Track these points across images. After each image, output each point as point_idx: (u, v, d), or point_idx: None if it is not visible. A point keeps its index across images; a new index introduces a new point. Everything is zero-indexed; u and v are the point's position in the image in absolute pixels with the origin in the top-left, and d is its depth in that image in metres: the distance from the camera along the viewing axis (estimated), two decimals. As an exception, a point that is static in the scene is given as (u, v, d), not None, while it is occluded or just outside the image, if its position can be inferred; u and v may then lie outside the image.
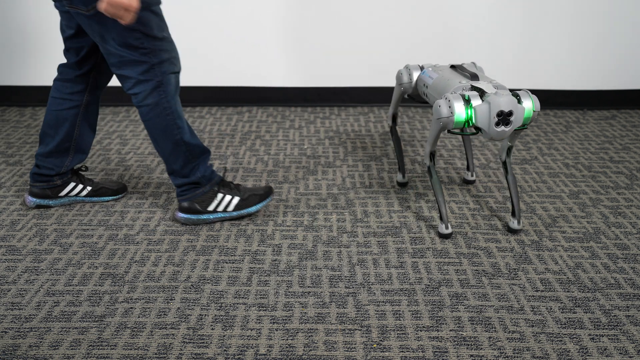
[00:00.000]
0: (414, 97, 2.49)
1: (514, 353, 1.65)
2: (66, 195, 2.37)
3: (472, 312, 1.81)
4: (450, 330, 1.73)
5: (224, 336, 1.71)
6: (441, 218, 2.18)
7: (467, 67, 2.34)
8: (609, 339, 1.70)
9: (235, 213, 2.26)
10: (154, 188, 2.55)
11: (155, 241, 2.17)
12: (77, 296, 1.87)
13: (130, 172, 2.70)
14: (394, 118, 2.55)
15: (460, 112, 2.01)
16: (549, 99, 3.55)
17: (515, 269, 2.02)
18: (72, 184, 2.37)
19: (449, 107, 2.02)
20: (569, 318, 1.78)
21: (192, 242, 2.17)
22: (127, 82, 2.07)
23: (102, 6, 1.81)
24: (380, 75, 3.53)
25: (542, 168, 2.77)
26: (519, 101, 2.05)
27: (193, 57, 3.50)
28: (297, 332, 1.72)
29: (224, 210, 2.25)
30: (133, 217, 2.31)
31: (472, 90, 2.08)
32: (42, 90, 3.54)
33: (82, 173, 2.58)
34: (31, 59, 3.50)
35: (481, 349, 1.66)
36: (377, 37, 3.45)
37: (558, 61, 3.49)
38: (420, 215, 2.35)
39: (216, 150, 2.94)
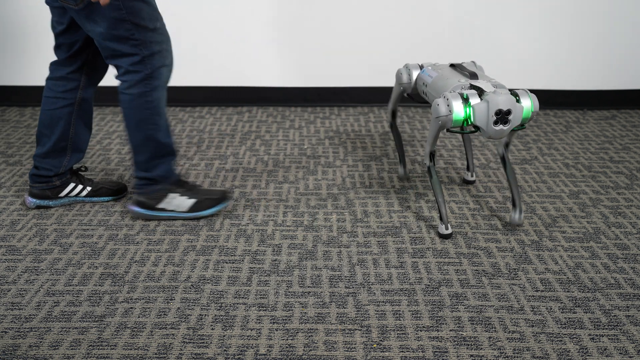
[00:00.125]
0: (413, 96, 2.49)
1: (514, 353, 1.65)
2: (66, 195, 2.37)
3: (472, 312, 1.81)
4: (450, 330, 1.73)
5: (224, 336, 1.71)
6: (441, 218, 2.18)
7: (466, 66, 2.34)
8: (609, 339, 1.70)
9: (186, 214, 2.27)
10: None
11: (155, 241, 2.17)
12: (77, 296, 1.87)
13: (130, 172, 2.70)
14: (394, 114, 2.55)
15: (458, 110, 2.01)
16: (549, 99, 3.55)
17: (515, 269, 2.02)
18: (72, 185, 2.37)
19: (448, 106, 2.02)
20: (569, 318, 1.78)
21: (192, 242, 2.17)
22: (119, 70, 2.10)
23: None
24: (380, 75, 3.53)
25: (542, 168, 2.77)
26: (518, 100, 2.05)
27: (193, 57, 3.50)
28: (297, 332, 1.72)
29: (176, 210, 2.27)
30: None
31: (470, 89, 2.08)
32: (42, 90, 3.54)
33: (82, 173, 2.58)
34: (31, 59, 3.50)
35: (481, 349, 1.66)
36: (377, 37, 3.45)
37: (558, 61, 3.49)
38: (420, 215, 2.35)
39: (216, 150, 2.94)
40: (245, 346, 1.67)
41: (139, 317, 1.78)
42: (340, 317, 1.79)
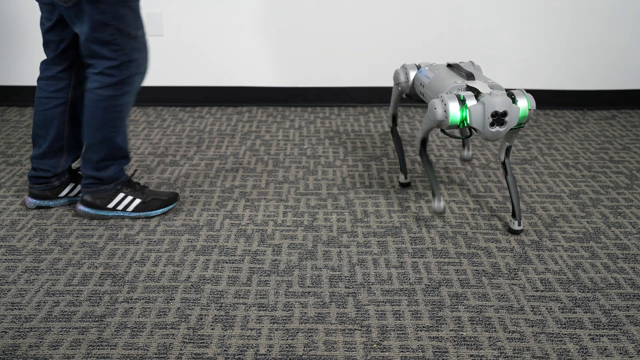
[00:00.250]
0: (411, 96, 2.49)
1: (514, 353, 1.65)
2: (66, 195, 2.37)
3: (472, 312, 1.81)
4: (450, 330, 1.73)
5: (224, 336, 1.71)
6: (433, 194, 2.18)
7: (464, 66, 2.33)
8: (609, 339, 1.70)
9: (134, 214, 2.29)
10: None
11: (155, 241, 2.17)
12: (77, 296, 1.87)
13: (130, 172, 2.70)
14: (394, 118, 2.55)
15: (455, 112, 2.00)
16: (549, 99, 3.55)
17: (515, 269, 2.01)
18: (71, 185, 2.37)
19: (444, 107, 2.01)
20: (569, 318, 1.78)
21: (192, 242, 2.17)
22: (94, 68, 2.11)
23: None
24: (380, 75, 3.53)
25: (542, 168, 2.77)
26: (514, 101, 2.04)
27: (193, 57, 3.50)
28: (297, 332, 1.72)
29: (124, 210, 2.28)
30: (133, 216, 2.31)
31: (467, 90, 2.07)
32: (42, 90, 3.54)
33: (80, 173, 2.58)
34: (31, 59, 3.50)
35: (481, 349, 1.66)
36: (377, 37, 3.45)
37: (558, 61, 3.49)
38: (420, 215, 2.34)
39: (216, 150, 2.94)
40: (245, 346, 1.67)
41: (139, 317, 1.78)
42: (340, 317, 1.79)
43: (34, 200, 2.33)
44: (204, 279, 1.96)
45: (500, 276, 1.98)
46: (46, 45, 2.21)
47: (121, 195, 2.26)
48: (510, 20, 3.41)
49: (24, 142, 3.03)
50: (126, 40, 2.05)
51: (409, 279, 1.96)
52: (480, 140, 3.06)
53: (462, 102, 2.01)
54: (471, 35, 3.43)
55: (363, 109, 3.54)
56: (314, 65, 3.51)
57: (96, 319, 1.77)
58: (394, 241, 2.17)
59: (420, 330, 1.73)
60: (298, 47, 3.48)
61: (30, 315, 1.79)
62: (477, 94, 2.03)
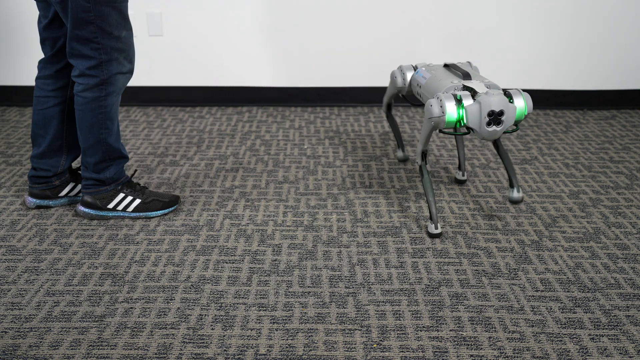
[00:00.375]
0: (408, 98, 2.49)
1: (514, 353, 1.65)
2: (66, 195, 2.37)
3: (472, 312, 1.81)
4: (450, 330, 1.73)
5: (224, 336, 1.71)
6: (431, 218, 2.18)
7: (461, 66, 2.33)
8: (609, 339, 1.70)
9: (134, 214, 2.29)
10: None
11: (155, 241, 2.17)
12: (77, 296, 1.87)
13: (129, 172, 2.70)
14: (389, 106, 2.55)
15: (451, 112, 2.00)
16: (549, 99, 3.55)
17: (515, 269, 2.01)
18: (72, 184, 2.37)
19: (441, 106, 2.01)
20: (569, 318, 1.78)
21: (192, 242, 2.17)
22: (74, 70, 2.12)
23: None
24: (380, 75, 3.53)
25: (542, 168, 2.77)
26: (511, 100, 2.04)
27: (193, 57, 3.50)
28: (297, 332, 1.72)
29: (124, 210, 2.28)
30: (133, 217, 2.31)
31: (464, 90, 2.07)
32: (42, 90, 3.54)
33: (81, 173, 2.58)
34: (31, 59, 3.50)
35: (481, 349, 1.66)
36: (377, 37, 3.45)
37: (558, 61, 3.49)
38: (420, 215, 2.34)
39: (216, 150, 2.94)
40: (245, 346, 1.67)
41: (139, 317, 1.78)
42: (340, 317, 1.79)
43: (34, 200, 2.33)
44: (204, 279, 1.96)
45: (500, 276, 1.98)
46: (43, 42, 2.21)
47: (121, 195, 2.27)
48: (510, 20, 3.41)
49: (24, 142, 3.03)
50: (107, 40, 2.06)
51: (409, 279, 1.96)
52: (480, 140, 3.06)
53: (458, 101, 2.01)
54: (471, 36, 3.43)
55: (363, 109, 3.54)
56: (314, 65, 3.51)
57: (96, 319, 1.77)
58: (394, 241, 2.17)
59: (420, 330, 1.73)
60: (298, 47, 3.48)
61: (30, 315, 1.79)
62: (473, 93, 2.03)
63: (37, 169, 2.30)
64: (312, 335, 1.71)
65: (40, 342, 1.68)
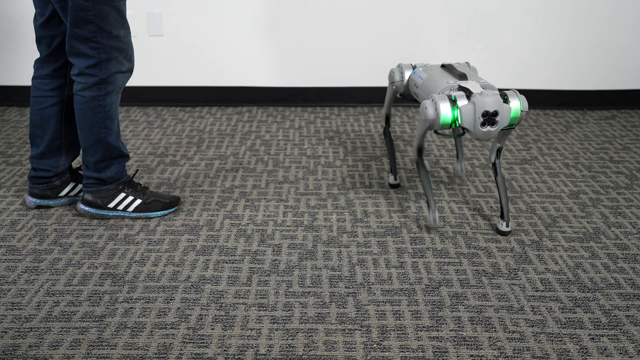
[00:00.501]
0: (406, 96, 2.49)
1: (514, 353, 1.65)
2: (66, 195, 2.37)
3: (472, 312, 1.81)
4: (450, 330, 1.73)
5: (224, 336, 1.71)
6: (428, 207, 2.18)
7: (458, 67, 2.33)
8: (609, 339, 1.70)
9: (134, 214, 2.29)
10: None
11: (155, 241, 2.17)
12: (77, 296, 1.87)
13: (130, 172, 2.70)
14: (387, 119, 2.55)
15: (446, 112, 2.00)
16: (549, 99, 3.55)
17: (515, 269, 2.01)
18: (72, 184, 2.37)
19: (435, 108, 2.01)
20: (569, 318, 1.78)
21: (192, 242, 2.17)
22: (74, 69, 2.12)
23: None
24: (380, 75, 3.53)
25: (542, 168, 2.77)
26: (506, 101, 2.04)
27: (193, 57, 3.50)
28: (297, 332, 1.72)
29: (124, 210, 2.28)
30: (133, 217, 2.31)
31: (459, 91, 2.07)
32: (42, 90, 3.54)
33: (81, 173, 2.58)
34: (31, 59, 3.50)
35: (481, 349, 1.66)
36: (377, 37, 3.45)
37: (558, 61, 3.49)
38: (420, 215, 2.34)
39: (216, 150, 2.94)
40: (245, 346, 1.67)
41: (139, 317, 1.78)
42: (340, 317, 1.79)
43: (34, 200, 2.33)
44: (204, 279, 1.96)
45: (500, 276, 1.98)
46: (39, 41, 2.21)
47: (122, 195, 2.27)
48: (510, 20, 3.41)
49: (24, 142, 3.03)
50: (106, 39, 2.06)
51: (409, 279, 1.96)
52: (482, 142, 3.06)
53: (453, 102, 2.01)
54: (471, 36, 3.43)
55: (363, 109, 3.54)
56: (314, 65, 3.51)
57: (96, 319, 1.77)
58: (394, 241, 2.17)
59: (420, 330, 1.73)
60: (298, 48, 3.48)
61: (30, 315, 1.79)
62: (468, 94, 2.03)
63: (37, 170, 2.30)
64: (312, 335, 1.71)
65: (40, 342, 1.68)
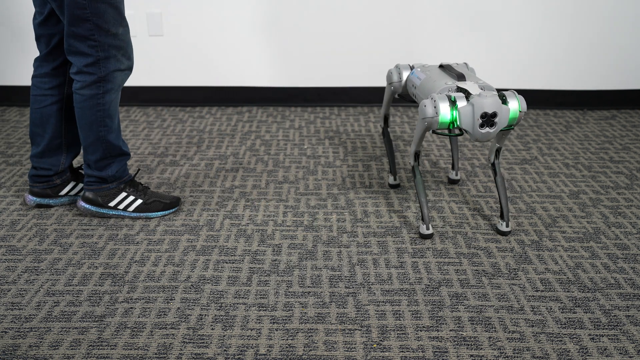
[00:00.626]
0: (404, 96, 2.49)
1: (514, 353, 1.65)
2: (66, 194, 2.37)
3: (472, 312, 1.81)
4: (450, 330, 1.73)
5: (224, 336, 1.71)
6: (422, 219, 2.18)
7: (456, 67, 2.33)
8: (609, 339, 1.70)
9: (134, 214, 2.29)
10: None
11: (155, 241, 2.17)
12: (77, 296, 1.87)
13: (131, 172, 2.70)
14: (386, 119, 2.55)
15: (445, 112, 2.00)
16: (549, 99, 3.55)
17: (515, 269, 2.01)
18: (72, 183, 2.37)
19: (434, 107, 2.01)
20: (569, 318, 1.78)
21: (192, 242, 2.17)
22: (73, 67, 2.12)
23: None
24: (380, 75, 3.53)
25: (542, 168, 2.77)
26: (505, 102, 2.03)
27: (193, 57, 3.50)
28: (297, 332, 1.72)
29: (124, 209, 2.28)
30: (133, 217, 2.31)
31: (458, 92, 2.07)
32: (42, 90, 3.53)
33: (82, 172, 2.58)
34: (31, 59, 3.50)
35: (481, 349, 1.66)
36: (377, 37, 3.45)
37: (558, 61, 3.49)
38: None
39: (216, 150, 2.94)
40: (245, 346, 1.67)
41: (139, 317, 1.78)
42: (340, 317, 1.79)
43: (35, 198, 2.33)
44: (204, 279, 1.96)
45: (500, 276, 1.98)
46: (38, 40, 2.21)
47: (123, 194, 2.26)
48: (511, 20, 3.41)
49: (24, 142, 3.03)
50: (104, 37, 2.05)
51: (409, 279, 1.96)
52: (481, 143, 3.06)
53: (452, 102, 2.00)
54: (471, 35, 3.43)
55: (363, 109, 3.54)
56: (314, 65, 3.51)
57: (96, 319, 1.77)
58: (394, 241, 2.17)
59: (420, 330, 1.73)
60: (298, 47, 3.48)
61: (30, 315, 1.79)
62: (467, 95, 2.03)
63: (38, 168, 2.30)
64: (312, 335, 1.71)
65: (40, 342, 1.68)
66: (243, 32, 3.45)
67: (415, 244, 2.15)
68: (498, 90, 2.10)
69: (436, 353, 1.64)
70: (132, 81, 3.54)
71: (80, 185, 2.39)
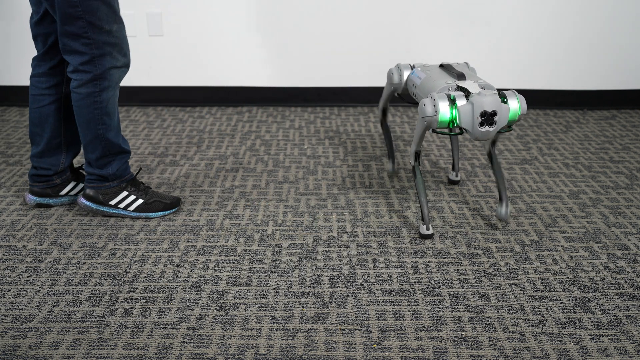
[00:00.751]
0: (404, 96, 2.49)
1: (514, 353, 1.65)
2: (67, 194, 2.37)
3: (472, 312, 1.81)
4: (450, 330, 1.73)
5: (224, 336, 1.71)
6: (422, 219, 2.18)
7: (456, 67, 2.33)
8: (609, 339, 1.70)
9: (134, 214, 2.29)
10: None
11: (155, 241, 2.17)
12: (77, 296, 1.87)
13: (132, 171, 2.70)
14: (384, 112, 2.55)
15: (444, 111, 2.00)
16: (549, 99, 3.55)
17: (515, 269, 2.01)
18: (73, 183, 2.37)
19: (434, 106, 2.01)
20: (569, 318, 1.78)
21: (192, 242, 2.17)
22: (69, 66, 2.12)
23: None
24: (380, 75, 3.53)
25: (542, 168, 2.77)
26: (505, 101, 2.03)
27: (193, 57, 3.50)
28: (297, 332, 1.72)
29: (125, 208, 2.28)
30: (133, 216, 2.31)
31: (457, 91, 2.07)
32: (42, 90, 3.53)
33: (82, 172, 2.58)
34: (31, 59, 3.50)
35: (481, 349, 1.66)
36: (377, 37, 3.45)
37: (558, 61, 3.49)
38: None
39: (216, 150, 2.94)
40: (245, 346, 1.67)
41: (139, 317, 1.78)
42: (340, 317, 1.79)
43: (35, 198, 2.33)
44: (204, 279, 1.96)
45: (500, 276, 1.98)
46: (35, 39, 2.21)
47: (125, 193, 2.26)
48: (510, 20, 3.41)
49: (24, 142, 3.03)
50: (98, 34, 2.05)
51: (409, 279, 1.96)
52: (480, 142, 3.06)
53: (452, 101, 2.01)
54: (471, 35, 3.43)
55: (363, 109, 3.54)
56: (314, 65, 3.51)
57: (96, 319, 1.77)
58: (394, 241, 2.17)
59: (420, 330, 1.73)
60: (298, 47, 3.48)
61: (30, 315, 1.79)
62: (467, 94, 2.03)
63: (38, 168, 2.30)
64: (312, 335, 1.71)
65: (40, 342, 1.68)
66: (243, 32, 3.45)
67: (415, 244, 2.15)
68: (498, 90, 2.10)
69: (436, 353, 1.64)
70: (132, 81, 3.54)
71: (81, 185, 2.39)
